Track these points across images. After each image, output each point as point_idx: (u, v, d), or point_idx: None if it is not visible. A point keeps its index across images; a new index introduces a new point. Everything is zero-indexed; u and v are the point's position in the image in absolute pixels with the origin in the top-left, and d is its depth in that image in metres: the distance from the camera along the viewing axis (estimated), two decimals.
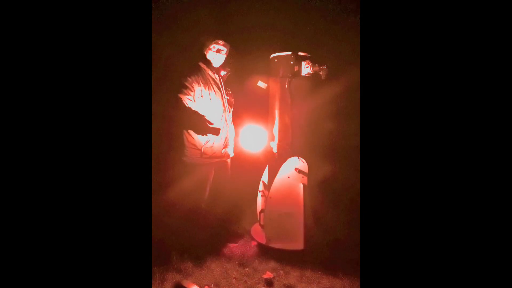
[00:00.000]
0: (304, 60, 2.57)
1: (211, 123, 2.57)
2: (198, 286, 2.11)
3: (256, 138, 2.79)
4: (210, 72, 2.62)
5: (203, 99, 2.56)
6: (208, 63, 2.62)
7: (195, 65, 2.60)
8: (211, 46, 2.58)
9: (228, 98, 2.71)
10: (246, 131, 2.80)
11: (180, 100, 2.47)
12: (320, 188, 2.66)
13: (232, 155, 2.83)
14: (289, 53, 2.59)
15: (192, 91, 2.51)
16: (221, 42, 2.59)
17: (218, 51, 2.60)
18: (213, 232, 2.71)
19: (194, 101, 2.54)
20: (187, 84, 2.49)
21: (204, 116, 2.55)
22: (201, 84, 2.54)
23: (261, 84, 2.72)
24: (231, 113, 2.77)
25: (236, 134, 2.85)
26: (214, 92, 2.61)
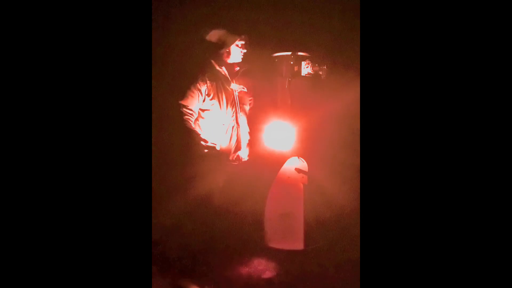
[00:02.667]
0: (304, 60, 2.57)
1: (205, 141, 2.43)
2: (198, 286, 2.12)
3: (283, 135, 2.59)
4: (219, 68, 2.48)
5: (211, 99, 2.45)
6: (219, 59, 2.50)
7: (201, 63, 2.50)
8: (237, 43, 2.47)
9: (239, 95, 2.57)
10: (271, 128, 2.60)
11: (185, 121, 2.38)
12: (320, 188, 2.66)
13: (246, 158, 2.64)
14: (289, 53, 2.59)
15: (195, 98, 2.41)
16: (244, 37, 2.48)
17: (243, 47, 2.49)
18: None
19: (203, 102, 2.44)
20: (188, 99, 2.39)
21: (199, 134, 2.43)
22: (207, 82, 2.42)
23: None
24: (244, 112, 2.61)
25: (257, 132, 2.65)
26: (223, 90, 2.48)
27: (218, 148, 2.46)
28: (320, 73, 2.56)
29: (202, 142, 2.41)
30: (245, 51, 2.51)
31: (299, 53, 2.60)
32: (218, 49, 2.48)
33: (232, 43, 2.46)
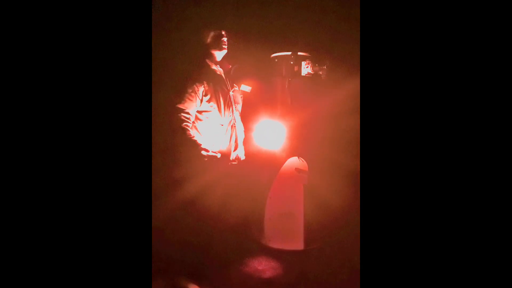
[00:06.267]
0: (304, 60, 2.57)
1: (207, 151, 2.31)
2: (197, 286, 2.12)
3: (273, 134, 2.61)
4: (214, 67, 2.45)
5: (208, 100, 2.38)
6: (212, 57, 2.47)
7: (196, 63, 2.46)
8: (221, 38, 2.43)
9: (233, 93, 2.52)
10: (262, 127, 2.61)
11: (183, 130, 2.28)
12: (320, 188, 2.66)
13: (243, 157, 2.60)
14: (289, 53, 2.59)
15: (194, 101, 2.34)
16: (224, 32, 2.44)
17: (224, 43, 2.44)
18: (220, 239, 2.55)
19: (201, 104, 2.37)
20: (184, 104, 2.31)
21: (200, 144, 2.30)
22: (204, 83, 2.35)
23: (245, 87, 2.59)
24: (238, 111, 2.57)
25: (248, 131, 2.62)
26: (220, 90, 2.43)
27: (219, 156, 2.35)
28: (320, 73, 2.56)
29: (203, 152, 2.28)
30: (226, 45, 2.45)
31: (299, 53, 2.60)
32: (210, 48, 2.46)
33: (212, 39, 2.44)
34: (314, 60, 2.59)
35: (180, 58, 2.69)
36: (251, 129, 2.66)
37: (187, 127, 2.29)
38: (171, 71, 2.69)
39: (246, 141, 2.66)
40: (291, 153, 2.66)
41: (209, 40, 2.44)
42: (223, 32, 2.44)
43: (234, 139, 2.53)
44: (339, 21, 2.88)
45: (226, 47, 2.45)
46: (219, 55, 2.47)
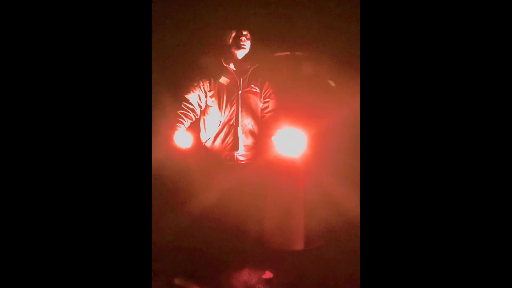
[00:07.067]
0: (304, 60, 2.57)
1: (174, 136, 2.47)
2: (197, 286, 2.12)
3: (293, 141, 2.55)
4: (225, 65, 2.51)
5: (211, 96, 2.50)
6: (231, 56, 2.53)
7: (208, 60, 2.55)
8: (240, 37, 2.50)
9: (247, 95, 2.54)
10: (282, 134, 2.54)
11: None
12: (320, 188, 2.66)
13: (242, 159, 2.61)
14: (288, 53, 2.59)
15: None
16: (245, 32, 2.51)
17: (243, 42, 2.51)
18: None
19: (206, 98, 2.52)
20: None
21: (176, 130, 2.46)
22: (211, 79, 2.49)
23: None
24: (249, 113, 2.57)
25: (267, 136, 2.59)
26: (225, 88, 2.49)
27: (188, 146, 2.49)
28: (320, 73, 2.56)
29: (174, 138, 2.46)
30: (247, 44, 2.52)
31: (298, 53, 2.60)
32: (230, 47, 2.53)
33: (233, 39, 2.52)
34: (314, 60, 2.59)
35: (185, 57, 2.73)
36: (271, 135, 2.59)
37: (180, 114, 2.48)
38: (173, 71, 2.72)
39: (258, 146, 2.63)
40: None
41: (229, 40, 2.53)
42: (244, 32, 2.52)
43: (232, 139, 2.54)
44: (338, 20, 2.88)
45: (245, 46, 2.52)
46: (239, 54, 2.54)
